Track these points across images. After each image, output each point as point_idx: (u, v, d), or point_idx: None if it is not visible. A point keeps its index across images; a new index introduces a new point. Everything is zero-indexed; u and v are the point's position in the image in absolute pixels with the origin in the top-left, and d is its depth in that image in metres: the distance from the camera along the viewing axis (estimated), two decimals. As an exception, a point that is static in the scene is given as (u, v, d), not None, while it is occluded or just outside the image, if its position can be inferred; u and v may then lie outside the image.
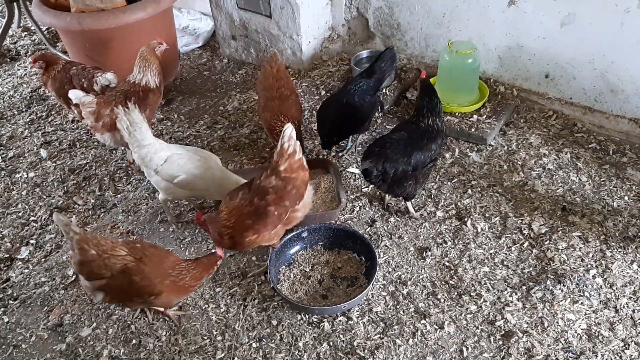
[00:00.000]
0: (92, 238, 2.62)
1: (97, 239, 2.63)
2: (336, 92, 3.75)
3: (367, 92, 3.57)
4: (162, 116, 4.44)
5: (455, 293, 2.95)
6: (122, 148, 4.01)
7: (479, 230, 3.26)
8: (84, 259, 2.59)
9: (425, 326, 2.81)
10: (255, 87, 4.64)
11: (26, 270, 3.33)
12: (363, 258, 3.12)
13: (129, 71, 3.81)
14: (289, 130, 2.79)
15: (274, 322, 2.88)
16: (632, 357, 2.63)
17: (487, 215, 3.34)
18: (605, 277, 2.97)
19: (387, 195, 3.41)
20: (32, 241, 3.52)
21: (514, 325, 2.79)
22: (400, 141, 3.06)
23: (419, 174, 3.12)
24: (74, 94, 3.53)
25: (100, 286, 2.64)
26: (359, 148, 3.85)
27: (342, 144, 3.84)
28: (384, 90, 4.18)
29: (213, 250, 2.84)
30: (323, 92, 4.43)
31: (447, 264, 3.10)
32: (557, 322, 2.79)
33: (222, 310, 2.97)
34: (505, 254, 3.13)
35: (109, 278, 2.61)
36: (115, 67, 4.02)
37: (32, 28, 5.66)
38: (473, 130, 3.82)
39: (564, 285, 2.93)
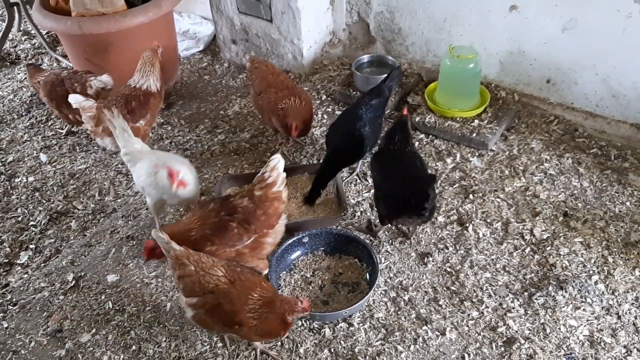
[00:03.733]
0: (193, 254, 2.56)
1: (199, 256, 2.56)
2: (345, 117, 3.57)
3: (376, 115, 3.51)
4: (162, 120, 4.43)
5: (457, 299, 2.94)
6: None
7: (481, 235, 3.25)
8: (182, 274, 2.53)
9: (427, 332, 2.80)
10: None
11: (25, 276, 3.31)
12: (364, 264, 3.11)
13: (130, 75, 3.81)
14: (275, 161, 2.80)
15: (275, 328, 2.86)
16: (635, 364, 2.62)
17: (488, 220, 3.33)
18: (607, 283, 2.95)
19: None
20: (31, 246, 3.50)
21: (516, 332, 2.77)
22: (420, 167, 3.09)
23: None
24: (74, 99, 3.52)
25: (192, 304, 2.55)
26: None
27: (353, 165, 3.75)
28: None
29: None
30: (324, 97, 4.42)
31: (448, 269, 3.09)
32: (559, 329, 2.77)
33: (222, 316, 2.95)
34: (507, 259, 3.12)
35: (201, 297, 2.52)
36: (115, 71, 4.02)
37: (33, 32, 5.66)
38: (474, 135, 3.82)
39: (566, 291, 2.91)
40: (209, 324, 2.59)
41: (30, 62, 4.53)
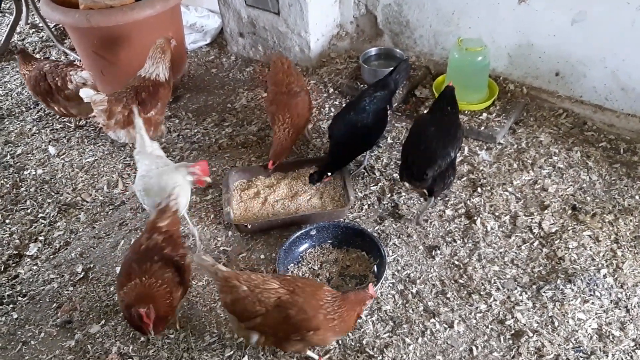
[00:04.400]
0: (241, 274, 2.48)
1: (248, 274, 2.49)
2: (349, 108, 3.56)
3: (381, 108, 3.50)
4: (170, 113, 4.44)
5: (465, 292, 2.94)
6: (132, 143, 4.02)
7: (489, 229, 3.24)
8: (236, 297, 2.43)
9: (435, 325, 2.80)
10: (262, 83, 4.65)
11: (35, 267, 3.33)
12: (372, 257, 3.11)
13: (138, 68, 3.81)
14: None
15: (283, 320, 2.87)
16: (644, 357, 2.62)
17: (496, 214, 3.33)
18: (616, 276, 2.95)
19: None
20: (40, 238, 3.52)
21: (524, 325, 2.77)
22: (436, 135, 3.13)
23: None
24: (85, 93, 3.55)
25: (255, 325, 2.45)
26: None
27: (360, 158, 3.74)
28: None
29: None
30: (331, 90, 4.41)
31: (456, 262, 3.09)
32: (568, 322, 2.77)
33: (230, 307, 2.96)
34: (515, 253, 3.11)
35: (264, 315, 2.42)
36: (123, 64, 4.03)
37: (40, 25, 5.67)
38: (482, 128, 3.80)
39: (574, 285, 2.91)
40: (277, 340, 2.51)
41: (21, 48, 4.47)
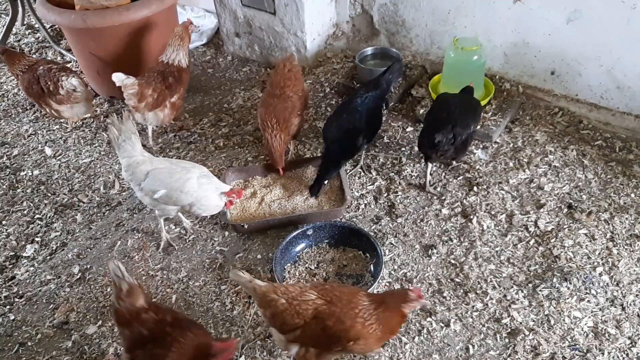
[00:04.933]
0: (279, 286, 2.43)
1: (285, 287, 2.44)
2: (341, 110, 3.55)
3: (373, 108, 3.50)
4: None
5: (461, 291, 2.95)
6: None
7: (485, 227, 3.25)
8: (275, 311, 2.39)
9: (431, 324, 2.81)
10: (259, 83, 4.66)
11: (32, 268, 3.33)
12: (368, 256, 3.12)
13: (134, 67, 3.81)
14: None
15: (280, 320, 2.87)
16: (639, 354, 2.62)
17: (492, 212, 3.33)
18: (611, 274, 2.96)
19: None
20: (37, 239, 3.52)
21: (520, 323, 2.78)
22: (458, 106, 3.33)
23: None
24: (117, 77, 3.65)
25: (295, 338, 2.41)
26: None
27: (356, 158, 3.74)
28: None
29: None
30: (327, 90, 4.42)
31: (452, 261, 3.09)
32: (564, 320, 2.78)
33: (227, 307, 2.96)
34: (511, 251, 3.12)
35: (303, 327, 2.38)
36: (119, 65, 4.02)
37: (36, 26, 5.66)
38: (479, 127, 3.81)
39: (570, 283, 2.92)
40: (319, 352, 2.44)
41: (3, 48, 4.41)
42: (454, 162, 3.63)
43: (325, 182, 3.44)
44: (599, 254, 3.06)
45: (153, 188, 3.03)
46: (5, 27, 5.44)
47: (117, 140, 3.08)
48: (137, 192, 3.15)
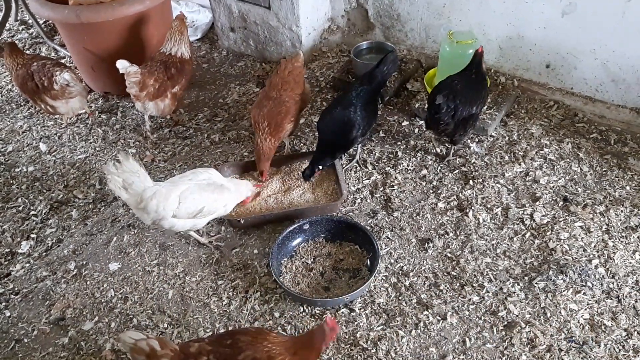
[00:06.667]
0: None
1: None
2: (336, 104, 3.53)
3: (368, 101, 3.48)
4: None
5: (458, 284, 2.95)
6: (122, 140, 4.02)
7: (481, 221, 3.26)
8: None
9: (428, 317, 2.81)
10: (254, 78, 4.65)
11: (27, 265, 3.32)
12: (365, 250, 3.12)
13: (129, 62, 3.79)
14: None
15: (277, 314, 2.88)
16: (635, 346, 2.64)
17: (488, 206, 3.34)
18: (607, 267, 2.97)
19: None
20: (32, 235, 3.51)
21: (517, 316, 2.79)
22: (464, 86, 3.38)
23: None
24: (121, 64, 3.68)
25: None
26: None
27: (352, 152, 3.76)
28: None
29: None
30: (323, 84, 4.41)
31: (449, 255, 3.10)
32: (560, 312, 2.79)
33: (224, 302, 2.96)
34: (507, 244, 3.13)
35: None
36: (113, 60, 3.99)
37: (30, 21, 5.62)
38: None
39: (566, 276, 2.93)
40: None
41: (11, 42, 4.37)
42: (452, 149, 3.61)
43: (320, 167, 3.42)
44: (595, 246, 3.07)
45: (192, 210, 2.92)
46: (-2, 22, 5.40)
47: (124, 186, 2.84)
48: (166, 221, 2.92)
